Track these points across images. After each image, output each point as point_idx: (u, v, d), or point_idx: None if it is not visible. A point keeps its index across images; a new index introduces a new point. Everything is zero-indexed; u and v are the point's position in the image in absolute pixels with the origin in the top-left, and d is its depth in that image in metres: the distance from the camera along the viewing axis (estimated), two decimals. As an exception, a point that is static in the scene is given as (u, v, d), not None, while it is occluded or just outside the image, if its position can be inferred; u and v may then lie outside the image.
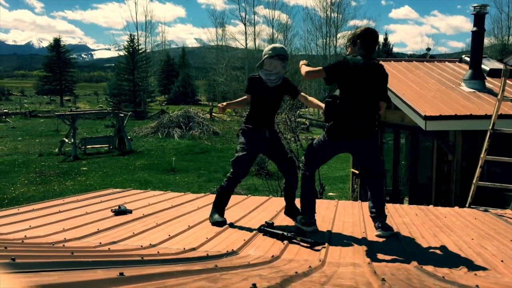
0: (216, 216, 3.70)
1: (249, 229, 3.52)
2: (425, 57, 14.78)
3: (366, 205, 4.40)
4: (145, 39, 57.87)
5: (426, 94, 8.01)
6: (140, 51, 45.21)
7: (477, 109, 7.23)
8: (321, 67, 3.44)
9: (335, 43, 47.21)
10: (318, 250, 2.96)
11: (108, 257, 2.23)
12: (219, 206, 3.77)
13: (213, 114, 31.81)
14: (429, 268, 2.60)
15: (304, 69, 3.51)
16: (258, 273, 1.84)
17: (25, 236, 3.05)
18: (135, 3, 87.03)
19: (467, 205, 4.88)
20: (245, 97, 3.91)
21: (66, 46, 60.69)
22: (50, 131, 27.25)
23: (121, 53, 46.69)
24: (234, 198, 4.86)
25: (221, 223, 3.63)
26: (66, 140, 19.26)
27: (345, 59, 3.31)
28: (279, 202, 4.76)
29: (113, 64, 60.60)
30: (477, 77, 8.50)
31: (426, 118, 6.82)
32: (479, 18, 8.62)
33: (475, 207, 4.81)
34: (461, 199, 6.56)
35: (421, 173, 8.88)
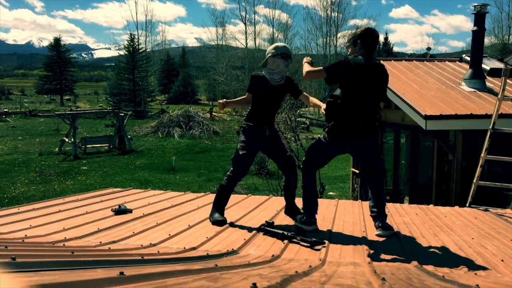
0: (217, 215, 3.70)
1: (249, 229, 3.52)
2: (425, 56, 14.77)
3: (366, 204, 4.40)
4: (145, 39, 57.90)
5: (427, 93, 8.01)
6: (140, 51, 45.19)
7: (477, 109, 7.23)
8: (321, 67, 3.44)
9: (335, 43, 47.21)
10: (318, 250, 2.96)
11: (108, 256, 2.23)
12: (219, 205, 3.77)
13: (213, 113, 31.81)
14: (429, 267, 2.60)
15: (305, 68, 3.51)
16: (258, 273, 1.84)
17: (26, 235, 3.05)
18: (136, 3, 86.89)
19: (467, 205, 4.88)
20: (245, 96, 3.91)
21: (66, 45, 60.68)
22: (50, 130, 27.25)
23: (121, 52, 46.69)
24: (234, 198, 4.86)
25: (221, 222, 3.63)
26: (66, 140, 19.26)
27: (346, 59, 3.31)
28: (279, 202, 4.76)
29: (113, 64, 60.57)
30: (478, 77, 8.50)
31: (427, 117, 6.82)
32: (479, 18, 8.62)
33: (476, 206, 4.81)
34: (462, 199, 6.56)
35: (422, 173, 8.88)
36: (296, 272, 1.85)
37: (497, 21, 46.00)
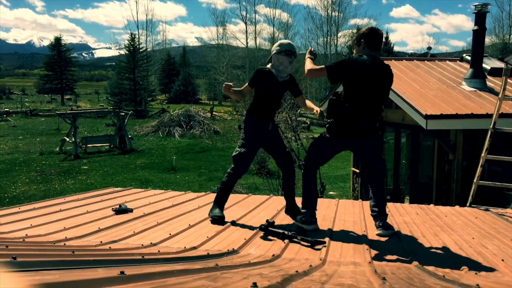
0: (217, 211, 3.75)
1: (250, 228, 3.52)
2: (426, 56, 14.75)
3: (367, 204, 4.40)
4: (146, 38, 57.94)
5: (427, 93, 8.01)
6: (141, 50, 45.19)
7: (478, 108, 7.22)
8: (323, 66, 3.44)
9: (336, 42, 47.22)
10: (319, 249, 2.96)
11: (109, 256, 2.23)
12: (220, 202, 3.82)
13: (214, 113, 31.81)
14: (430, 267, 2.60)
15: (307, 66, 3.51)
16: (259, 272, 1.84)
17: (26, 235, 3.05)
18: (136, 2, 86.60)
19: (468, 204, 4.88)
20: (243, 87, 3.91)
21: (67, 45, 60.64)
22: (51, 130, 27.27)
23: (122, 52, 46.74)
24: (234, 197, 4.87)
25: (220, 218, 3.66)
26: (67, 139, 19.27)
27: (350, 58, 3.31)
28: (280, 201, 4.76)
29: (114, 63, 60.65)
30: (478, 76, 8.49)
31: (427, 117, 6.82)
32: (480, 17, 8.61)
33: (476, 206, 4.81)
34: (462, 198, 6.56)
35: (422, 172, 8.88)
36: (297, 271, 1.85)
37: (498, 21, 46.09)
